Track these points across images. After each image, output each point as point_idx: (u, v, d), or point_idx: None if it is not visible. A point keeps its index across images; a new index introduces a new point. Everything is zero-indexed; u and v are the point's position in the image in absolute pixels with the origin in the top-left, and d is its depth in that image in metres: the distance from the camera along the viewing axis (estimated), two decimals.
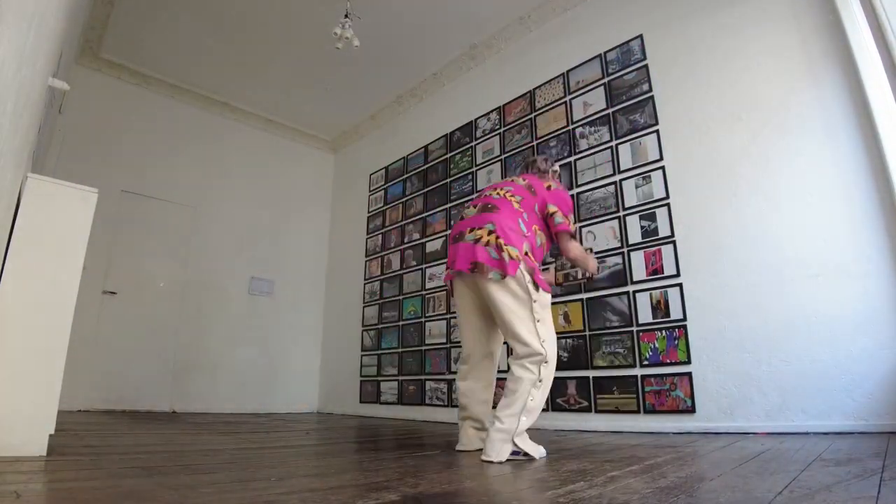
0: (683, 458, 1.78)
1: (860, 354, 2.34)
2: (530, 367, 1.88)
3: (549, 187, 2.25)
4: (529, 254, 2.03)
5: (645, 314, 3.09)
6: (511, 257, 1.92)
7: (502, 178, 4.19)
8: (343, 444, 2.48)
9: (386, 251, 5.28)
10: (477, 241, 1.99)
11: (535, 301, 1.93)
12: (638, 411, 2.98)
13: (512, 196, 2.16)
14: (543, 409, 3.42)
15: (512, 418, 1.81)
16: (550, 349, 1.92)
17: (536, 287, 1.95)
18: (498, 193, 2.19)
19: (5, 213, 1.57)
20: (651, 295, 3.09)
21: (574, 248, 2.25)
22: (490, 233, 1.98)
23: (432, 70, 5.05)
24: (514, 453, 1.79)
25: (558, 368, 3.40)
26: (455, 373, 4.14)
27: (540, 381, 1.87)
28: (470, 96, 4.77)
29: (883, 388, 2.26)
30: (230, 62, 4.96)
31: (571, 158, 3.72)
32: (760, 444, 2.12)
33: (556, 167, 2.48)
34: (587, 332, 3.33)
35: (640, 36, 3.51)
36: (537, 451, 1.84)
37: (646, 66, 3.44)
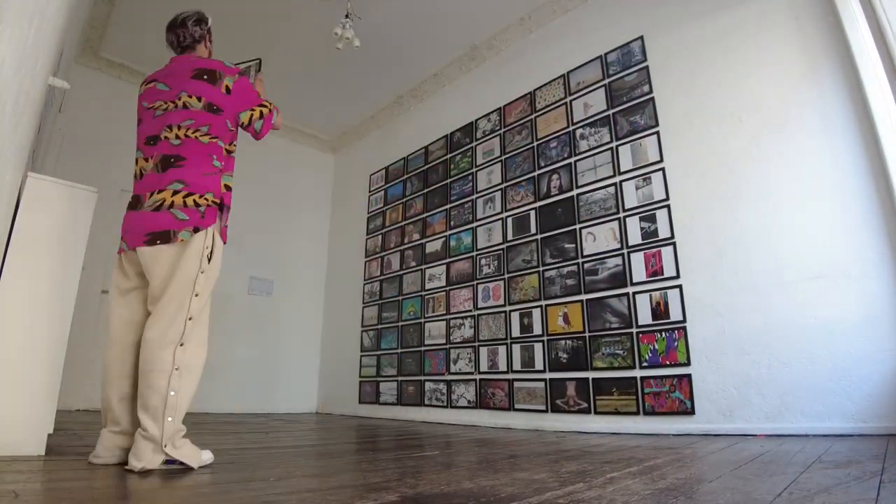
0: (683, 459, 1.77)
1: (859, 356, 2.34)
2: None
3: (227, 88, 1.85)
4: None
5: (644, 316, 3.09)
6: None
7: (502, 179, 4.19)
8: (342, 444, 2.48)
9: (386, 252, 5.28)
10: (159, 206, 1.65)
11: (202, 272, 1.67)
12: (637, 413, 2.98)
13: (195, 132, 1.75)
14: (542, 411, 3.44)
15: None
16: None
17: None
18: (177, 136, 1.73)
19: (5, 213, 1.57)
20: (651, 296, 3.09)
21: (278, 123, 1.98)
22: (176, 193, 1.66)
23: (432, 70, 5.05)
24: (167, 462, 1.49)
25: (558, 369, 3.42)
26: (454, 374, 4.15)
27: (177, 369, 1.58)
28: (470, 97, 4.77)
29: (882, 390, 2.26)
30: (230, 62, 4.95)
31: (572, 159, 3.73)
32: (760, 445, 2.12)
33: (207, 18, 2.08)
34: (587, 334, 3.33)
35: (641, 37, 3.51)
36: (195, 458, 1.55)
37: (646, 68, 3.44)
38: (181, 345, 1.60)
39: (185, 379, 1.61)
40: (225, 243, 1.79)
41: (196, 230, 1.65)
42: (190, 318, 1.62)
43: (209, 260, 1.69)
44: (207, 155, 1.76)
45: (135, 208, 1.72)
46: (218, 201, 1.74)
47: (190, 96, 1.80)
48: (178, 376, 1.58)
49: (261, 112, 1.92)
